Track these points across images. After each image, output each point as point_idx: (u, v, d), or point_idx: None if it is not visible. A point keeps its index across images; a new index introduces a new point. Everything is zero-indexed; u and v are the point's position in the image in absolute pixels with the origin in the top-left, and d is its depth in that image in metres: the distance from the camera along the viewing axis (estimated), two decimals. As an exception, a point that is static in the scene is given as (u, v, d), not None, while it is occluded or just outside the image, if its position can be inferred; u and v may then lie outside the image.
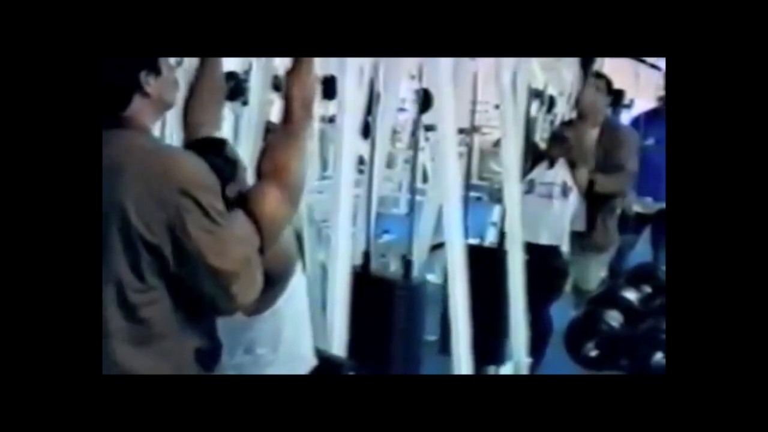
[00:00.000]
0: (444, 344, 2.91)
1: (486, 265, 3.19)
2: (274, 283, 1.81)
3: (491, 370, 3.48)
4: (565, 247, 3.73)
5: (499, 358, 3.40)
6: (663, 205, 4.38)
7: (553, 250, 3.71)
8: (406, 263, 2.66)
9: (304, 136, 1.74)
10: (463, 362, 2.71)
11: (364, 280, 2.60)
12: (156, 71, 1.63)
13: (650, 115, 4.83)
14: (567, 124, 4.16)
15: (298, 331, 1.96)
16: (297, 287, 1.93)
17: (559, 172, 3.78)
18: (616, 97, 3.95)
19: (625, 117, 5.15)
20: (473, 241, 3.83)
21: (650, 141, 4.37)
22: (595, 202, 3.83)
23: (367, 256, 2.71)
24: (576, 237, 3.82)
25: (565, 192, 3.73)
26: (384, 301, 2.58)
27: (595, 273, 4.09)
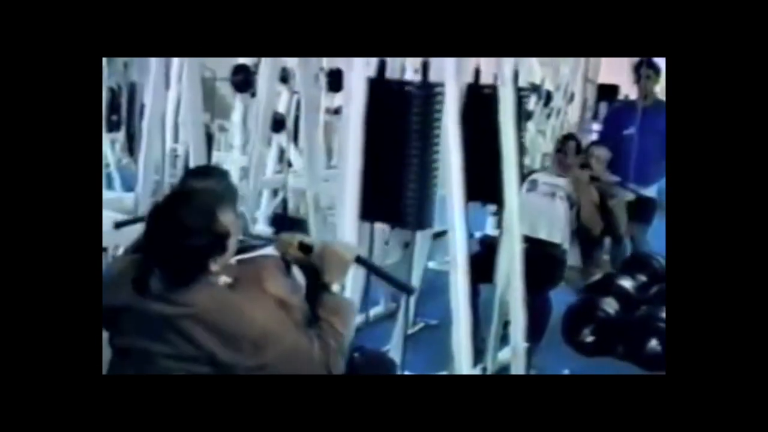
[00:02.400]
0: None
1: (481, 111, 3.12)
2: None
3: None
4: (565, 245, 3.70)
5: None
6: (641, 192, 4.36)
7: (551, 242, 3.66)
8: (424, 65, 2.52)
9: None
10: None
11: (380, 86, 2.50)
12: (222, 249, 1.52)
13: (629, 106, 4.82)
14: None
15: None
16: None
17: (564, 181, 3.74)
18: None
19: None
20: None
21: (630, 131, 4.38)
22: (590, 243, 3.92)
23: (382, 64, 2.57)
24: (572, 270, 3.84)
25: (569, 198, 3.68)
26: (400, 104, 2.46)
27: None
